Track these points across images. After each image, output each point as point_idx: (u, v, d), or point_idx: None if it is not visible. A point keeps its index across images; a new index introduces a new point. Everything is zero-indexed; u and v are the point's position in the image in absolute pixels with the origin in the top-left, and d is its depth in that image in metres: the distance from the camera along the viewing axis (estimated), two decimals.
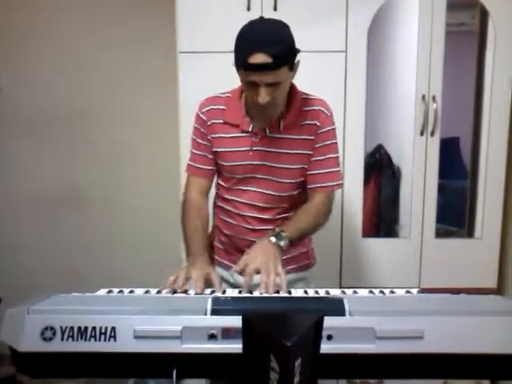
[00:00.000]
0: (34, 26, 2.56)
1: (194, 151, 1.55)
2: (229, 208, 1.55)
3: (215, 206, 1.64)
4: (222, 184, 1.56)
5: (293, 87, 1.44)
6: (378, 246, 2.21)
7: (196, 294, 1.23)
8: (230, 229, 1.56)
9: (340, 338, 0.95)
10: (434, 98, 2.10)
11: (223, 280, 1.57)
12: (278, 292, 1.21)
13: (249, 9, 2.05)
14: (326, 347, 0.91)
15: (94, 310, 0.99)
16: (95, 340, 0.96)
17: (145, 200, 2.66)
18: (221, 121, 1.48)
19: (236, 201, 1.53)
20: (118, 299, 1.13)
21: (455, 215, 2.33)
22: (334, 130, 1.48)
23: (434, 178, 2.15)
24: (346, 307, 0.98)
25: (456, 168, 2.34)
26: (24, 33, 2.57)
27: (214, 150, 1.51)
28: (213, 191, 1.62)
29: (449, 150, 2.25)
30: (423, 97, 2.10)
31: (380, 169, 2.28)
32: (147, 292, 1.23)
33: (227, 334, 0.96)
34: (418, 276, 2.19)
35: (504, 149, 2.14)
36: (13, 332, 0.97)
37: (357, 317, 0.97)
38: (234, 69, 2.14)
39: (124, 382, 2.23)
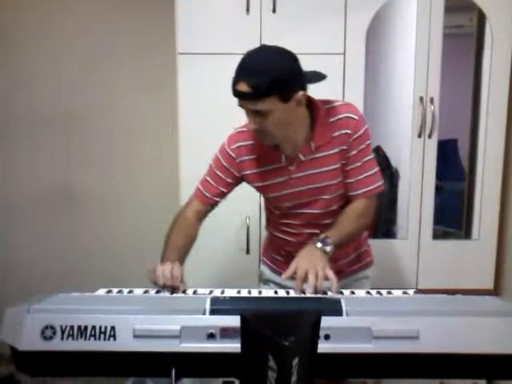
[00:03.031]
0: (32, 28, 2.57)
1: (208, 179, 1.53)
2: (286, 229, 1.56)
3: (269, 222, 1.65)
4: (274, 212, 1.57)
5: (313, 103, 1.42)
6: (376, 247, 2.21)
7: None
8: (290, 245, 1.57)
9: (337, 337, 0.96)
10: (431, 100, 2.11)
11: (280, 286, 1.60)
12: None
13: (248, 11, 2.06)
14: (323, 347, 0.92)
15: (93, 310, 0.99)
16: (95, 339, 0.97)
17: (142, 201, 2.67)
18: (253, 156, 1.48)
19: (292, 223, 1.54)
20: (118, 299, 1.14)
21: (453, 217, 2.35)
22: (366, 130, 1.44)
23: (431, 179, 2.16)
24: (344, 307, 0.99)
25: (454, 170, 2.35)
26: (21, 35, 2.57)
27: (254, 185, 1.52)
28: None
29: (447, 152, 2.26)
30: (421, 99, 2.11)
31: None
32: (146, 292, 1.24)
33: (226, 333, 0.96)
34: (416, 277, 2.20)
35: (501, 151, 2.16)
36: (13, 331, 0.98)
37: (354, 317, 0.98)
38: (232, 70, 2.16)
39: (123, 381, 2.24)
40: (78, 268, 2.66)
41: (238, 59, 2.08)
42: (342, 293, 1.25)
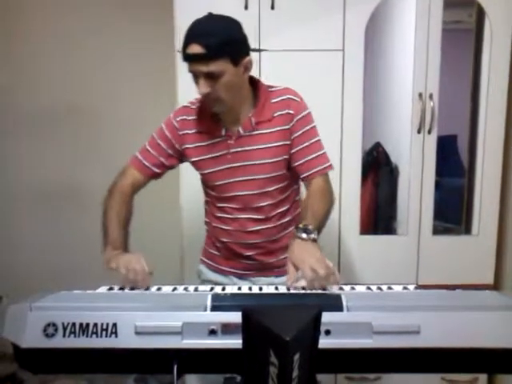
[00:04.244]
0: (37, 25, 2.58)
1: (148, 148, 1.55)
2: (222, 215, 1.55)
3: (207, 214, 1.63)
4: (211, 193, 1.56)
5: (256, 83, 1.48)
6: (376, 243, 2.22)
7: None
8: (227, 235, 1.56)
9: (338, 332, 0.96)
10: (430, 96, 2.11)
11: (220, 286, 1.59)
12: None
13: (246, 7, 2.06)
14: (324, 342, 0.92)
15: (95, 307, 1.00)
16: (97, 336, 0.97)
17: (144, 197, 2.66)
18: (194, 130, 1.50)
19: (227, 207, 1.53)
20: (119, 296, 1.15)
21: (453, 212, 2.35)
22: (309, 113, 1.49)
23: (431, 175, 2.16)
24: (344, 303, 0.99)
25: (454, 165, 2.36)
26: (26, 31, 2.58)
27: (192, 160, 1.52)
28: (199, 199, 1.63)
29: (446, 148, 2.27)
30: (420, 95, 2.11)
31: (378, 167, 2.30)
32: (147, 289, 1.24)
33: (227, 329, 0.97)
34: (416, 273, 2.21)
35: (500, 146, 2.16)
36: (15, 328, 0.98)
37: (354, 312, 0.98)
38: None
39: (124, 379, 2.24)
40: (81, 264, 2.66)
41: None
42: (342, 288, 1.25)
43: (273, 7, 2.05)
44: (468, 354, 0.96)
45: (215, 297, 1.03)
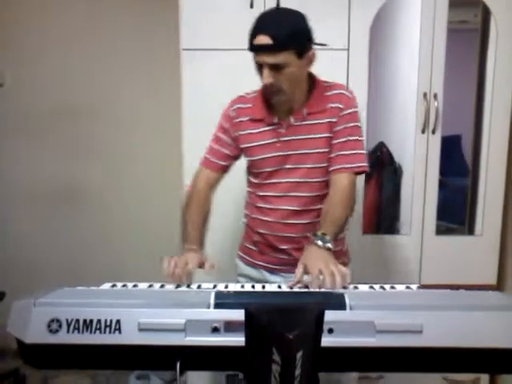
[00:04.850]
0: (37, 23, 2.58)
1: (211, 145, 1.61)
2: (262, 205, 1.58)
3: (247, 206, 1.67)
4: (254, 181, 1.60)
5: (313, 77, 1.53)
6: (379, 243, 2.22)
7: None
8: (265, 226, 1.58)
9: (341, 331, 0.96)
10: (435, 96, 2.11)
11: (254, 280, 1.61)
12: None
13: (252, 6, 2.06)
14: (326, 340, 0.93)
15: (99, 303, 1.00)
16: (100, 332, 0.97)
17: (145, 196, 2.68)
18: (247, 118, 1.55)
19: (269, 196, 1.56)
20: (123, 293, 1.15)
21: (456, 212, 2.34)
22: (356, 112, 1.51)
23: (434, 175, 2.16)
24: (347, 301, 1.00)
25: (458, 165, 2.35)
26: (27, 30, 2.58)
27: (243, 146, 1.56)
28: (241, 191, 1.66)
29: (451, 148, 2.26)
30: (425, 95, 2.11)
31: (381, 166, 2.29)
32: (151, 286, 1.25)
33: (230, 327, 0.97)
34: (419, 272, 2.21)
35: (505, 146, 2.15)
36: (19, 324, 0.99)
37: (357, 311, 0.98)
38: (236, 66, 2.16)
39: (126, 375, 2.25)
40: (80, 264, 2.67)
41: (241, 54, 2.09)
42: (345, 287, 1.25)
43: (278, 6, 2.05)
44: (470, 354, 0.96)
45: (218, 294, 1.03)
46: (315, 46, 1.46)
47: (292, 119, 1.49)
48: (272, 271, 1.61)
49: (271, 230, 1.56)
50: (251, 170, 1.60)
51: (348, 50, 2.08)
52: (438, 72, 2.10)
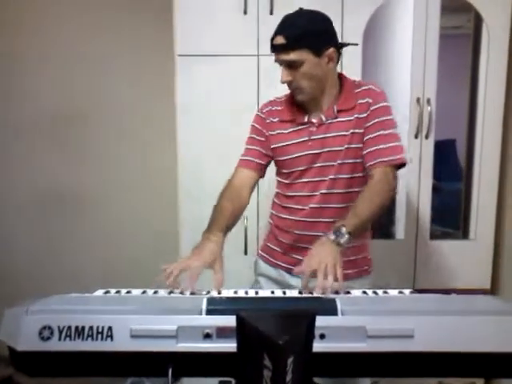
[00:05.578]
0: (35, 29, 2.58)
1: (247, 146, 1.63)
2: (291, 205, 1.58)
3: (274, 206, 1.67)
4: (284, 181, 1.61)
5: (343, 76, 1.58)
6: (373, 247, 2.22)
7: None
8: (292, 225, 1.58)
9: (332, 336, 0.97)
10: (428, 101, 2.12)
11: (272, 280, 1.64)
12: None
13: (245, 12, 2.08)
14: (318, 346, 0.93)
15: (90, 310, 1.00)
16: (92, 339, 0.97)
17: (140, 201, 2.68)
18: (277, 119, 1.58)
19: (299, 195, 1.56)
20: (115, 299, 1.15)
21: (451, 217, 2.35)
22: (387, 106, 1.51)
23: (428, 179, 2.17)
24: (339, 307, 1.00)
25: (453, 170, 2.36)
26: (24, 36, 2.58)
27: (274, 146, 1.58)
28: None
29: (446, 152, 2.27)
30: (418, 100, 2.12)
31: None
32: (144, 292, 1.24)
33: (222, 333, 0.97)
34: (413, 277, 2.21)
35: (497, 151, 2.17)
36: (11, 332, 0.99)
37: (349, 316, 0.99)
38: (231, 72, 2.17)
39: (122, 381, 2.24)
40: (74, 269, 2.66)
41: (235, 61, 2.12)
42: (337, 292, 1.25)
43: (271, 12, 2.07)
44: (461, 359, 0.96)
45: (210, 300, 1.04)
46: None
47: (323, 117, 1.51)
48: (291, 272, 1.57)
49: (299, 229, 1.56)
50: (281, 171, 1.61)
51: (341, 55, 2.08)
52: (431, 77, 2.11)
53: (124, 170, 2.68)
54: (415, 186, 2.17)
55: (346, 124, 1.50)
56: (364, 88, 1.52)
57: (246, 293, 1.26)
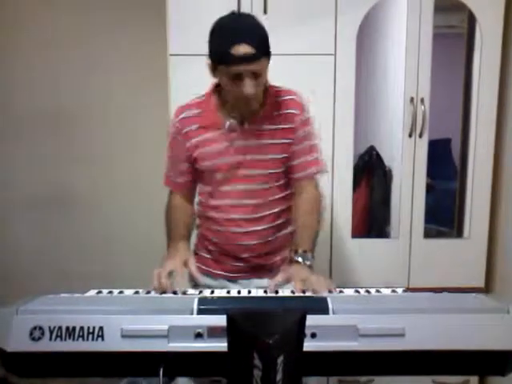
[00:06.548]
0: (28, 28, 2.57)
1: (172, 165, 1.57)
2: (216, 216, 1.54)
3: (200, 216, 1.62)
4: (207, 190, 1.56)
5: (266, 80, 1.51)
6: (367, 247, 2.23)
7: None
8: (220, 236, 1.55)
9: (323, 335, 0.97)
10: (422, 101, 2.12)
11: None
12: None
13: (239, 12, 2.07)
14: (309, 345, 0.93)
15: (81, 310, 1.00)
16: (83, 339, 0.97)
17: (135, 200, 2.67)
18: (196, 126, 1.49)
19: (223, 205, 1.52)
20: (106, 299, 1.15)
21: (446, 216, 2.36)
22: (311, 118, 1.52)
23: (422, 179, 2.17)
24: (330, 306, 1.00)
25: (447, 169, 2.36)
26: (17, 34, 2.57)
27: (195, 155, 1.50)
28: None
29: (440, 151, 2.28)
30: (411, 99, 2.12)
31: (371, 170, 2.30)
32: (136, 293, 1.24)
33: (213, 332, 0.97)
34: (407, 276, 2.21)
35: (491, 150, 2.17)
36: (1, 332, 0.99)
37: (340, 315, 0.99)
38: None
39: (117, 382, 2.24)
40: (72, 268, 2.66)
41: None
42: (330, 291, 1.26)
43: (265, 12, 2.06)
44: (452, 357, 0.97)
45: (202, 300, 1.04)
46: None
47: (246, 124, 1.46)
48: (230, 279, 1.58)
49: (227, 240, 1.54)
50: (203, 178, 1.55)
51: (335, 55, 2.08)
52: (425, 76, 2.11)
53: (121, 169, 2.67)
54: (409, 185, 2.17)
55: (272, 133, 1.47)
56: (289, 97, 1.48)
57: (239, 292, 1.26)
